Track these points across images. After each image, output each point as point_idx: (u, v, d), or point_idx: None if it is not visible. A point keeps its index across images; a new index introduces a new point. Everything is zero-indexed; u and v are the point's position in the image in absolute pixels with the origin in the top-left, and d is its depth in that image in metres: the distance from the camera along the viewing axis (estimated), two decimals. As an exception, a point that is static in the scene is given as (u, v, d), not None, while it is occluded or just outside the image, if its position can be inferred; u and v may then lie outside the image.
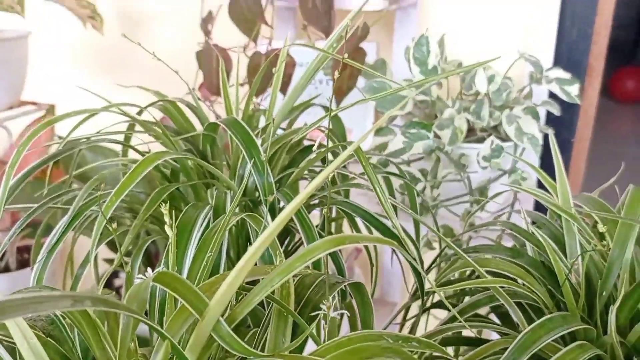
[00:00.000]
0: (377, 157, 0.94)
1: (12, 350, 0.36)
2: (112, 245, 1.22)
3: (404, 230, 0.59)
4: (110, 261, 1.38)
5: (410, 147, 0.95)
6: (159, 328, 0.30)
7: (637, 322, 0.56)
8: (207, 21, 1.16)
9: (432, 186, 1.00)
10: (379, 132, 1.00)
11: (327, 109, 0.78)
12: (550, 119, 1.22)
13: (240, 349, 0.33)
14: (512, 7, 1.21)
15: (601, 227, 0.54)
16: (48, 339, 0.39)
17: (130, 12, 1.49)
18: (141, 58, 1.50)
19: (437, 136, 1.00)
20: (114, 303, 0.29)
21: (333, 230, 0.76)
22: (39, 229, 0.71)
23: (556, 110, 1.05)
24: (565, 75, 1.07)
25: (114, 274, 1.43)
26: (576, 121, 1.32)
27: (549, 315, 0.49)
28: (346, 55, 0.52)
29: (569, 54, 1.23)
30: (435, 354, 0.49)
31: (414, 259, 0.58)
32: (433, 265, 0.70)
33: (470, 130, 1.07)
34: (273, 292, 0.37)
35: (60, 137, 1.40)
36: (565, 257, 0.61)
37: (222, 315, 0.33)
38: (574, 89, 1.06)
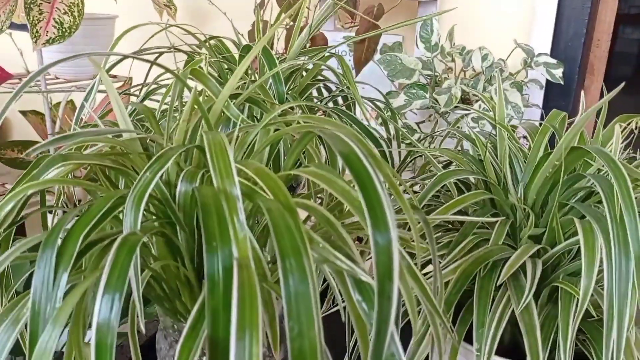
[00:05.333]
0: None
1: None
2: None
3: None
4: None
5: (410, 104, 1.17)
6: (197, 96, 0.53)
7: (540, 198, 0.76)
8: (260, 6, 1.42)
9: (429, 142, 1.21)
10: (387, 95, 1.22)
11: (339, 57, 1.01)
12: (548, 106, 1.41)
13: (238, 117, 0.55)
14: (516, 6, 1.42)
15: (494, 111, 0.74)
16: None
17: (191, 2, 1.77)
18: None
19: (437, 103, 1.21)
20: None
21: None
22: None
23: (539, 87, 1.25)
24: (551, 60, 1.27)
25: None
26: (574, 114, 1.50)
27: (459, 169, 0.70)
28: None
29: (565, 50, 1.42)
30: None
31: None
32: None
33: (469, 103, 1.28)
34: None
35: (133, 103, 1.68)
36: (497, 156, 0.81)
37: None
38: (558, 72, 1.26)
